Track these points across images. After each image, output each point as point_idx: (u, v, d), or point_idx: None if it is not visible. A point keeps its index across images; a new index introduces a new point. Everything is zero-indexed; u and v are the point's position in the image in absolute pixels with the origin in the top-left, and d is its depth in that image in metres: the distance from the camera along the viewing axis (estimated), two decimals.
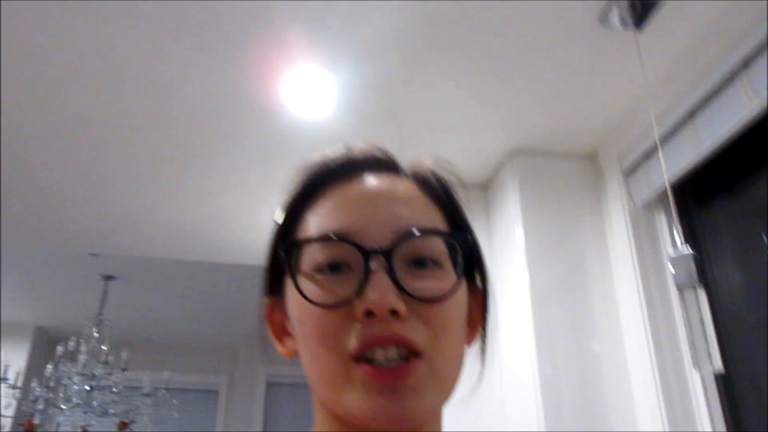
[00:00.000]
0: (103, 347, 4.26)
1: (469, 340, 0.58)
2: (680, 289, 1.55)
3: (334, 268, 0.51)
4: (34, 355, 5.23)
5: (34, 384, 4.15)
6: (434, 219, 0.56)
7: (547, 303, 2.14)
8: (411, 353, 0.48)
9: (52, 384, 4.18)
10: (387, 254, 0.49)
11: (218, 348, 5.87)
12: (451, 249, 0.54)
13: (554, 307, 2.14)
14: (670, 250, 1.99)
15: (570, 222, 2.28)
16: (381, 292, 0.47)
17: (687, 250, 1.53)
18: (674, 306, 1.97)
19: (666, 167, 1.76)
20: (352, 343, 0.48)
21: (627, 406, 2.02)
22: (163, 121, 2.27)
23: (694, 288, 1.52)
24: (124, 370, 4.33)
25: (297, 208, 0.58)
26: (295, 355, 0.56)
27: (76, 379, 4.19)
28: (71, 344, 4.20)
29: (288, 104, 2.14)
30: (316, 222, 0.54)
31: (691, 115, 1.77)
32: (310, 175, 0.59)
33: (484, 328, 0.61)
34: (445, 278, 0.52)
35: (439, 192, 0.59)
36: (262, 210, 2.92)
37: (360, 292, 0.48)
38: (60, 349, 4.19)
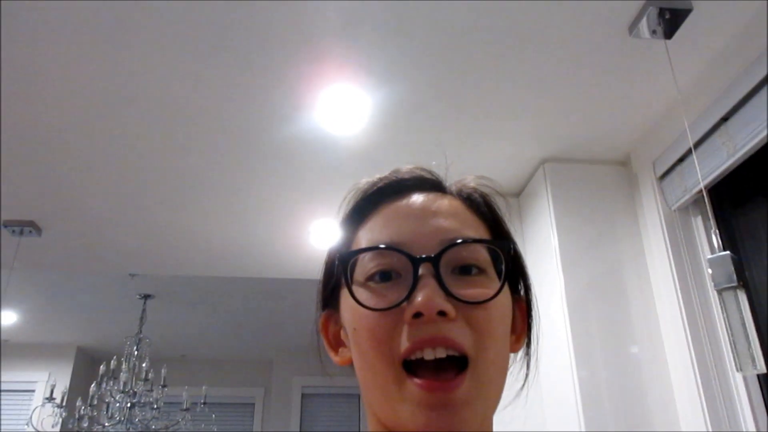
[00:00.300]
0: (143, 365, 4.35)
1: (514, 348, 0.61)
2: (720, 291, 1.56)
3: (385, 276, 0.54)
4: (76, 375, 5.37)
5: (78, 403, 4.24)
6: (478, 231, 0.59)
7: (583, 307, 2.16)
8: (457, 356, 0.50)
9: (95, 402, 4.27)
10: (434, 261, 0.52)
11: (254, 361, 5.95)
12: (494, 257, 0.57)
13: (591, 311, 2.16)
14: (708, 252, 2.01)
15: (604, 226, 2.30)
16: (429, 295, 0.50)
17: (725, 251, 1.54)
18: (713, 308, 1.98)
19: (701, 171, 1.78)
20: (403, 344, 0.50)
21: (669, 408, 2.03)
22: (198, 142, 2.33)
23: (734, 289, 1.53)
24: (164, 386, 4.41)
25: (350, 226, 0.62)
26: (348, 363, 0.59)
27: (118, 396, 4.28)
28: (113, 363, 4.29)
29: (323, 124, 2.19)
30: (367, 236, 0.58)
31: (725, 119, 1.79)
32: (362, 196, 0.63)
33: (528, 336, 0.63)
34: (489, 284, 0.55)
35: (482, 207, 0.62)
36: (296, 226, 2.97)
37: (409, 296, 0.51)
38: (102, 368, 4.29)
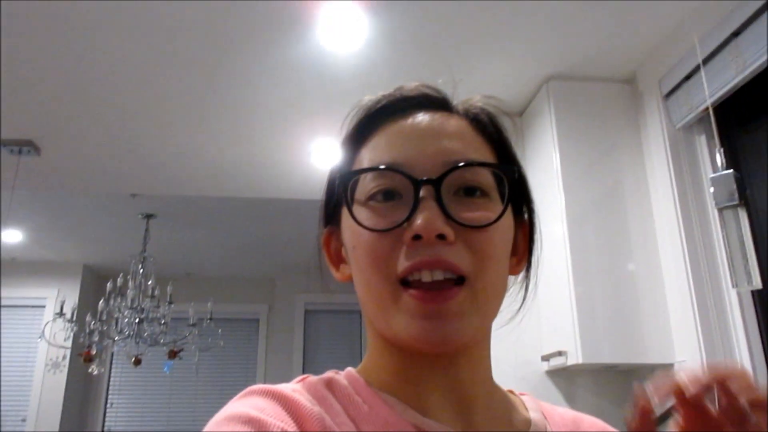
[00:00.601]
0: (149, 282, 4.43)
1: (515, 270, 0.61)
2: (720, 209, 1.57)
3: (386, 196, 0.54)
4: (84, 291, 5.49)
5: (88, 318, 4.35)
6: (483, 153, 0.58)
7: (582, 225, 2.18)
8: (455, 278, 0.51)
9: (104, 317, 4.37)
10: (436, 184, 0.52)
11: (257, 279, 6.06)
12: (499, 180, 0.56)
13: (590, 228, 2.18)
14: (710, 171, 2.00)
15: (607, 145, 2.28)
16: (429, 217, 0.50)
17: (728, 170, 1.53)
18: (712, 226, 1.99)
19: (708, 89, 1.75)
20: (402, 264, 0.51)
21: (663, 323, 2.08)
22: (199, 62, 2.29)
23: (735, 207, 1.54)
24: (170, 303, 4.50)
25: (353, 145, 0.60)
26: (349, 279, 0.59)
27: (126, 312, 4.38)
28: (119, 280, 4.37)
29: (323, 41, 2.14)
30: (370, 156, 0.57)
31: (736, 34, 1.74)
32: (365, 114, 0.61)
33: (529, 259, 0.63)
34: (492, 208, 0.54)
35: (489, 128, 0.60)
36: (297, 145, 2.96)
37: (410, 217, 0.51)
38: (109, 285, 4.37)
